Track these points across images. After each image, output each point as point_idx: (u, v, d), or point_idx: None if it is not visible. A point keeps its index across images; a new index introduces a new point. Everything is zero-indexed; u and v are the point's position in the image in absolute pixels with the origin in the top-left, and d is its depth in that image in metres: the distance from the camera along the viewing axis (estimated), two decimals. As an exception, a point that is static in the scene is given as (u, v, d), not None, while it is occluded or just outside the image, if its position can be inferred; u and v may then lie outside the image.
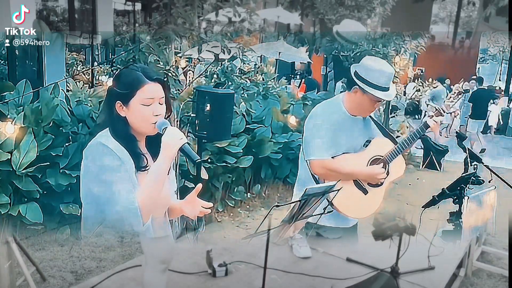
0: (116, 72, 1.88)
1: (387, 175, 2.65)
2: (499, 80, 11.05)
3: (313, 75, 9.93)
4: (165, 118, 1.87)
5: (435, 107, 2.67)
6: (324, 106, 2.71)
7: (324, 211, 2.33)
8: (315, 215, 2.32)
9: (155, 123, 1.82)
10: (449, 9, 10.55)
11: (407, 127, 7.53)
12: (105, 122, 1.85)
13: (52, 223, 4.13)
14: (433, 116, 2.62)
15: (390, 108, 7.31)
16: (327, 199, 2.45)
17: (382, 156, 2.65)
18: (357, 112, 2.65)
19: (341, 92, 3.78)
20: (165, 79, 3.90)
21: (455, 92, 2.68)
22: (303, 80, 9.80)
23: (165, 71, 3.90)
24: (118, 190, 1.74)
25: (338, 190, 2.35)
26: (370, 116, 2.74)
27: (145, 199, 1.76)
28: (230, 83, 6.00)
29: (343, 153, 2.62)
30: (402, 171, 2.73)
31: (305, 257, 2.86)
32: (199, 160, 1.79)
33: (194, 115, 4.03)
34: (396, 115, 7.80)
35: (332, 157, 2.59)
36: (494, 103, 9.46)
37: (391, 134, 2.80)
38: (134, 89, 1.80)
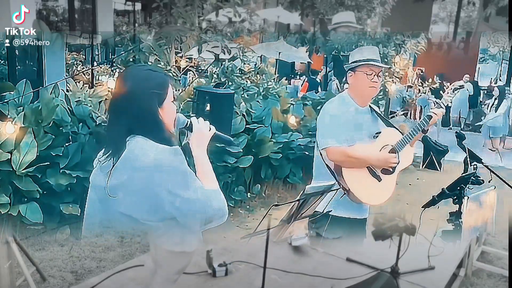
0: (136, 78, 1.72)
1: (398, 163, 2.78)
2: (499, 80, 11.04)
3: (317, 75, 9.94)
4: None
5: (435, 101, 2.86)
6: (336, 100, 2.86)
7: (324, 211, 2.34)
8: (315, 215, 2.32)
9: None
10: (449, 9, 10.56)
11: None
12: (146, 132, 1.68)
13: (52, 223, 4.13)
14: (434, 108, 2.81)
15: (390, 108, 7.32)
16: (344, 188, 2.62)
17: (392, 145, 2.79)
18: (362, 98, 2.79)
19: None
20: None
21: (451, 88, 2.87)
22: (305, 79, 9.80)
23: (165, 71, 3.91)
24: (208, 190, 1.76)
25: (337, 189, 2.37)
26: (375, 111, 2.86)
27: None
28: (230, 83, 6.00)
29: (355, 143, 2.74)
30: (411, 160, 2.87)
31: (301, 245, 2.89)
32: (231, 140, 1.97)
33: (194, 115, 4.03)
34: (396, 115, 7.81)
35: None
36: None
37: (395, 126, 2.92)
38: (167, 87, 1.74)
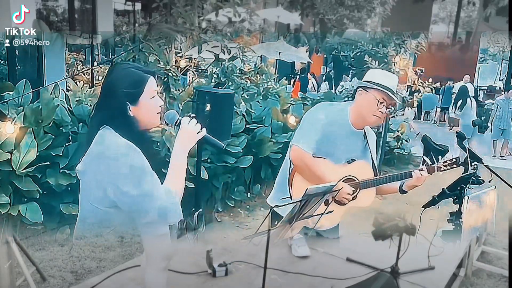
0: (114, 75, 1.88)
1: (354, 199, 2.65)
2: (499, 80, 11.03)
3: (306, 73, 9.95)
4: None
5: (429, 163, 2.66)
6: (332, 106, 2.75)
7: (325, 212, 2.34)
8: (315, 215, 2.32)
9: (158, 113, 1.88)
10: (449, 9, 10.56)
11: (411, 130, 7.53)
12: (114, 126, 1.81)
13: (52, 223, 4.13)
14: (422, 170, 2.64)
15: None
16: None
17: (358, 180, 2.65)
18: (361, 120, 2.64)
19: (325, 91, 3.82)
20: (166, 79, 3.92)
21: (449, 162, 2.67)
22: (297, 78, 9.81)
23: (165, 71, 3.90)
24: (156, 187, 1.78)
25: (339, 190, 2.36)
26: (368, 141, 2.73)
27: (180, 190, 1.85)
28: (230, 83, 6.00)
29: (324, 157, 2.61)
30: (368, 203, 2.71)
31: (304, 256, 2.87)
32: (224, 147, 1.95)
33: (194, 115, 4.02)
34: (396, 115, 7.80)
35: (314, 156, 2.58)
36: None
37: (376, 165, 2.76)
38: (142, 86, 1.84)
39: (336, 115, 2.65)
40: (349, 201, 2.64)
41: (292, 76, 10.17)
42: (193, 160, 4.54)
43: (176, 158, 1.88)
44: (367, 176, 2.67)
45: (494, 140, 8.26)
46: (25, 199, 4.08)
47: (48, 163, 4.16)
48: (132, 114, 1.83)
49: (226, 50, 4.09)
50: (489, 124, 8.53)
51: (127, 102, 1.82)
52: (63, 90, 5.15)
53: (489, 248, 3.99)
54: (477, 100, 10.39)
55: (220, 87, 4.46)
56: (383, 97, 2.56)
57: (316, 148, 2.57)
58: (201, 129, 1.94)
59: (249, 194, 5.43)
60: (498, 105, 8.22)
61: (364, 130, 2.72)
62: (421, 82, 9.87)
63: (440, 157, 2.72)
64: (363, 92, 2.62)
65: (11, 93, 4.68)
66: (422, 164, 2.70)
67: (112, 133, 1.80)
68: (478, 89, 10.77)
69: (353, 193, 2.63)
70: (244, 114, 5.63)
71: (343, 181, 2.62)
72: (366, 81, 2.62)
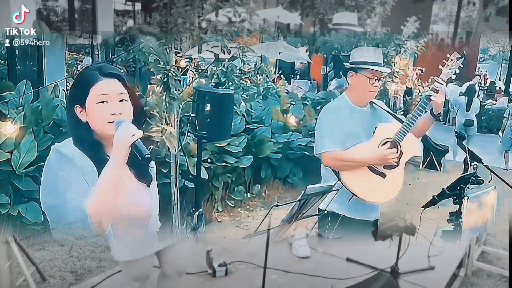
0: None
1: (401, 154, 2.67)
2: (499, 80, 11.03)
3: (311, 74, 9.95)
4: (139, 118, 1.74)
5: (434, 79, 2.64)
6: (332, 103, 2.82)
7: (325, 211, 2.34)
8: (314, 215, 2.32)
9: (111, 123, 1.67)
10: (449, 9, 10.56)
11: None
12: (69, 129, 1.74)
13: (52, 223, 4.12)
14: (435, 88, 2.62)
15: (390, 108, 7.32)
16: (350, 191, 2.54)
17: (392, 138, 2.68)
18: (360, 99, 2.71)
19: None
20: (166, 79, 3.90)
21: (452, 59, 2.58)
22: (278, 76, 9.80)
23: (165, 71, 3.89)
24: (70, 198, 1.67)
25: (338, 190, 2.37)
26: (378, 106, 2.79)
27: (96, 206, 1.63)
28: (230, 83, 6.00)
29: (355, 144, 2.66)
30: (416, 149, 2.76)
31: (304, 257, 2.87)
32: (148, 155, 1.65)
33: (194, 115, 4.03)
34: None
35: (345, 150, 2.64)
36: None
37: (398, 116, 2.82)
38: (87, 88, 1.66)
39: (339, 107, 2.72)
40: (398, 159, 2.66)
41: (292, 76, 10.16)
42: (193, 160, 4.54)
43: (107, 164, 1.66)
44: (394, 129, 2.69)
45: (505, 151, 7.33)
46: (25, 199, 4.08)
47: (48, 163, 4.16)
48: (84, 119, 1.69)
49: (226, 50, 4.07)
50: (500, 134, 7.75)
51: (77, 105, 1.68)
52: (63, 90, 5.15)
53: (489, 248, 3.99)
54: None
55: (220, 87, 4.46)
56: (373, 74, 2.66)
57: (341, 142, 2.62)
58: (136, 133, 1.69)
59: (249, 194, 5.43)
60: (510, 111, 7.29)
61: (370, 102, 2.77)
62: (420, 82, 9.85)
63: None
64: (353, 75, 2.71)
65: (11, 93, 4.68)
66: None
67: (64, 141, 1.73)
68: (478, 89, 10.74)
69: (397, 151, 2.66)
70: (244, 114, 5.64)
71: (381, 147, 2.66)
72: (353, 62, 2.71)
